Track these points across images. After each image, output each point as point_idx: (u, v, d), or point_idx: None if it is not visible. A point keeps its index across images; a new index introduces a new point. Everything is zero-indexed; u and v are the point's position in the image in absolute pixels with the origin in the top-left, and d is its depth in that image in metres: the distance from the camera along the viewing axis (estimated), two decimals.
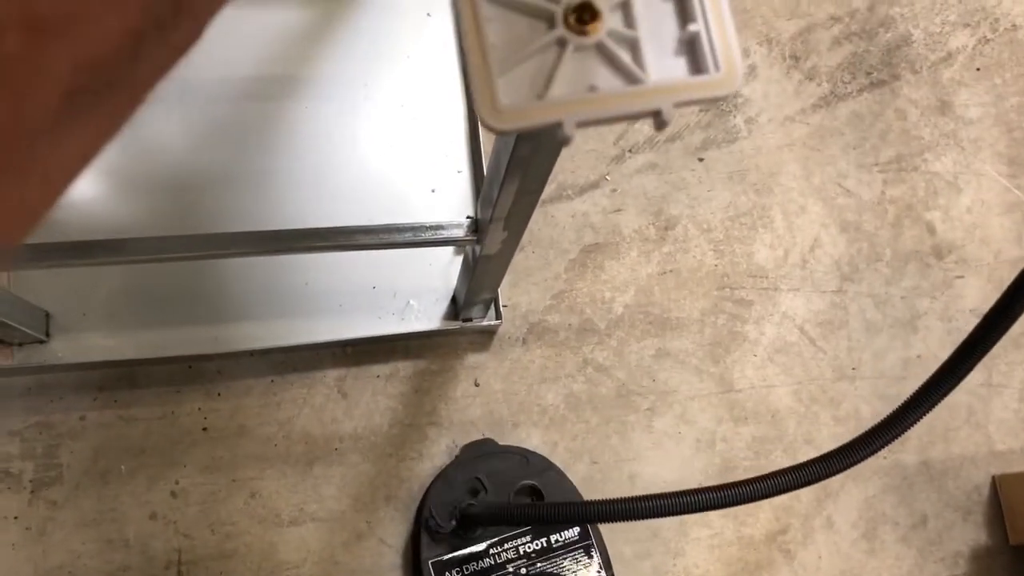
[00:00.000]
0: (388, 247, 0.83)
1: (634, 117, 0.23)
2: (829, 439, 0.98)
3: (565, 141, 0.22)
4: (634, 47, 0.23)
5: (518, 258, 0.99)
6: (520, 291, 0.99)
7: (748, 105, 1.07)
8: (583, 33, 0.22)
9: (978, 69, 1.11)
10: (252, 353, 0.92)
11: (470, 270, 0.88)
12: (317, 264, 0.92)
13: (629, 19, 0.23)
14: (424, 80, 0.96)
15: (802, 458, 0.96)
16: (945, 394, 0.62)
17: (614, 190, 1.03)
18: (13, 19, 0.14)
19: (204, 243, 0.81)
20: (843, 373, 1.00)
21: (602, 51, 0.22)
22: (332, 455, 0.91)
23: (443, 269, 0.95)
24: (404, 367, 0.94)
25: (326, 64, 0.96)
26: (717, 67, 0.23)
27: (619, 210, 1.02)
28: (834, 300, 1.02)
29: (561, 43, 0.22)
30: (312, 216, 0.91)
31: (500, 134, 0.21)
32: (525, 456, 0.89)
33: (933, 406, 0.62)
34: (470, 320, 0.93)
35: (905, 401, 0.62)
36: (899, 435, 0.63)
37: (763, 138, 1.06)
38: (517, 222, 0.73)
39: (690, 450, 0.96)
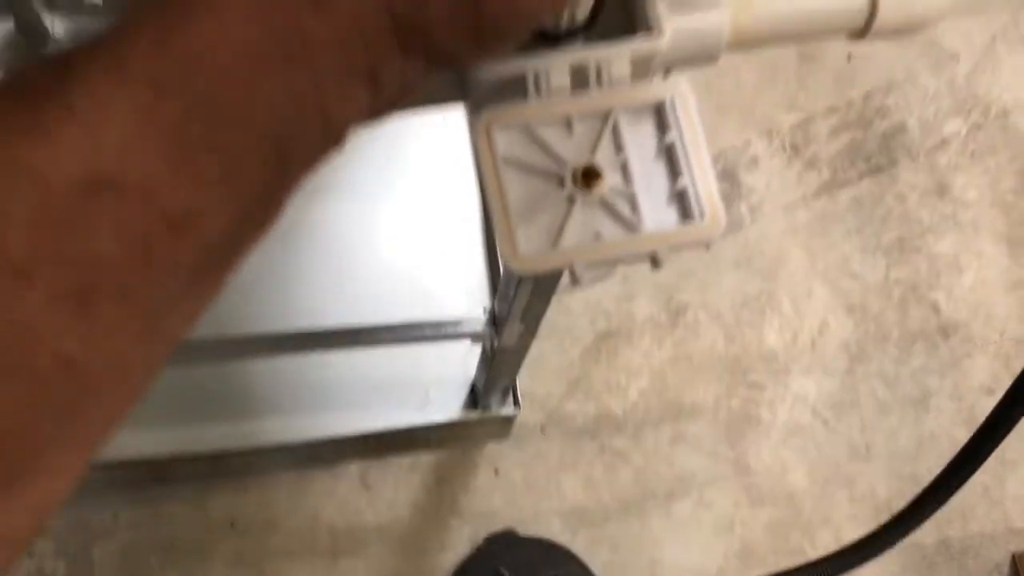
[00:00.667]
0: (410, 342, 0.86)
1: (634, 260, 0.26)
2: (846, 519, 0.99)
3: (577, 283, 0.26)
4: (632, 201, 0.26)
5: (534, 346, 1.02)
6: (537, 379, 1.01)
7: (752, 194, 1.11)
8: (589, 190, 0.26)
9: (972, 154, 1.15)
10: (278, 448, 0.94)
11: (488, 361, 0.91)
12: (340, 358, 0.95)
13: (627, 177, 0.26)
14: (441, 178, 1.01)
15: (820, 540, 0.97)
16: (969, 476, 0.63)
17: (625, 278, 1.06)
18: (156, 221, 0.19)
19: (232, 345, 0.85)
20: (857, 453, 1.02)
21: (605, 205, 0.26)
22: (357, 548, 0.92)
23: (462, 359, 0.97)
24: (425, 457, 0.97)
25: (347, 164, 1.01)
26: (703, 216, 0.26)
27: (631, 297, 1.06)
28: (844, 381, 1.05)
29: (571, 199, 0.26)
30: (336, 311, 0.94)
31: (522, 276, 0.24)
32: (546, 546, 0.91)
33: (957, 489, 0.63)
34: (489, 409, 0.96)
35: (929, 484, 0.63)
36: (923, 521, 0.63)
37: (767, 225, 1.09)
38: (533, 317, 0.76)
39: (709, 534, 0.98)
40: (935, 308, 1.08)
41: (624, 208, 0.26)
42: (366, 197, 0.99)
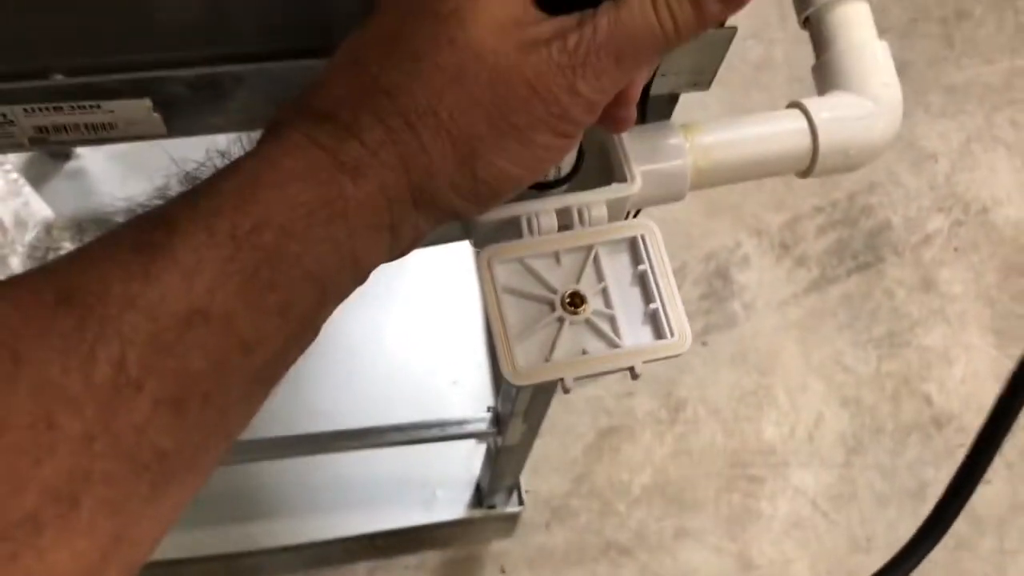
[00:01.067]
0: (416, 443, 0.89)
1: (615, 371, 0.30)
2: None
3: (566, 391, 0.29)
4: (612, 321, 0.30)
5: (537, 444, 1.04)
6: (541, 476, 1.03)
7: (744, 291, 1.15)
8: (575, 313, 0.30)
9: (956, 249, 1.19)
10: (286, 549, 0.96)
11: (492, 459, 0.94)
12: (347, 459, 0.97)
13: (607, 301, 0.31)
14: (445, 285, 1.05)
15: None
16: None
17: (625, 375, 1.09)
18: (233, 345, 0.24)
19: (241, 449, 0.88)
20: (857, 545, 1.03)
21: (590, 325, 0.30)
22: None
23: (466, 459, 1.00)
24: (432, 557, 0.98)
25: None
26: (673, 334, 0.30)
27: (631, 394, 1.09)
28: (842, 474, 1.07)
29: (560, 320, 0.30)
30: (344, 413, 0.97)
31: (520, 388, 0.28)
32: None
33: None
34: (494, 507, 0.98)
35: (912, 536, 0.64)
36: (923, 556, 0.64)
37: (761, 321, 1.13)
38: (535, 416, 0.79)
39: None
40: (927, 400, 1.11)
41: (606, 327, 0.30)
42: (374, 302, 1.03)
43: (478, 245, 0.32)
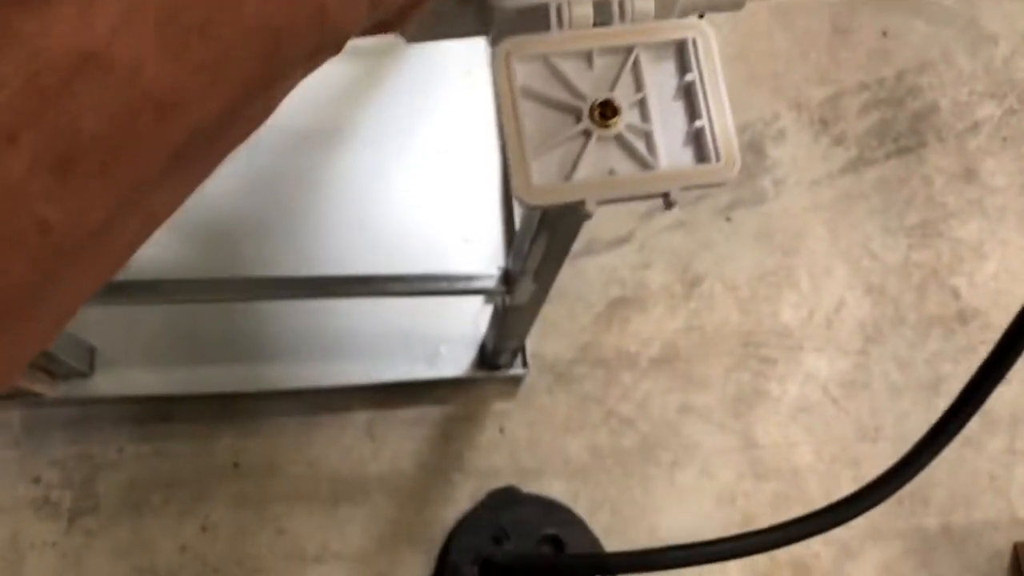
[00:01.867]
0: (422, 295, 0.86)
1: (646, 198, 0.26)
2: None
3: (586, 217, 0.25)
4: (648, 138, 0.26)
5: (546, 309, 1.01)
6: (547, 342, 1.01)
7: (777, 167, 1.09)
8: (605, 126, 0.25)
9: (1004, 139, 1.13)
10: (285, 393, 0.95)
11: (500, 319, 0.91)
12: (351, 309, 0.95)
13: (645, 115, 0.26)
14: (461, 134, 1.00)
15: None
16: (950, 439, 0.62)
17: (642, 246, 1.05)
18: (142, 102, 0.19)
19: (245, 287, 0.85)
20: (865, 434, 1.01)
21: (621, 141, 0.26)
22: (358, 496, 0.93)
23: (473, 317, 0.97)
24: (432, 412, 0.97)
25: (367, 116, 1.00)
26: (718, 157, 0.26)
27: (647, 266, 1.05)
28: (858, 361, 1.04)
29: (586, 134, 0.25)
30: (349, 262, 0.94)
31: (531, 209, 0.24)
32: (548, 506, 0.91)
33: (942, 449, 0.62)
34: (498, 368, 0.96)
35: (918, 441, 0.62)
36: (914, 476, 0.62)
37: (791, 200, 1.08)
38: (546, 275, 0.76)
39: (711, 504, 0.98)
40: (955, 294, 1.07)
41: (640, 146, 0.26)
42: (387, 149, 0.99)
43: (496, 40, 0.27)
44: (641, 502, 0.96)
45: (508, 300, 0.84)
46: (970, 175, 1.12)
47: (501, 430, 0.97)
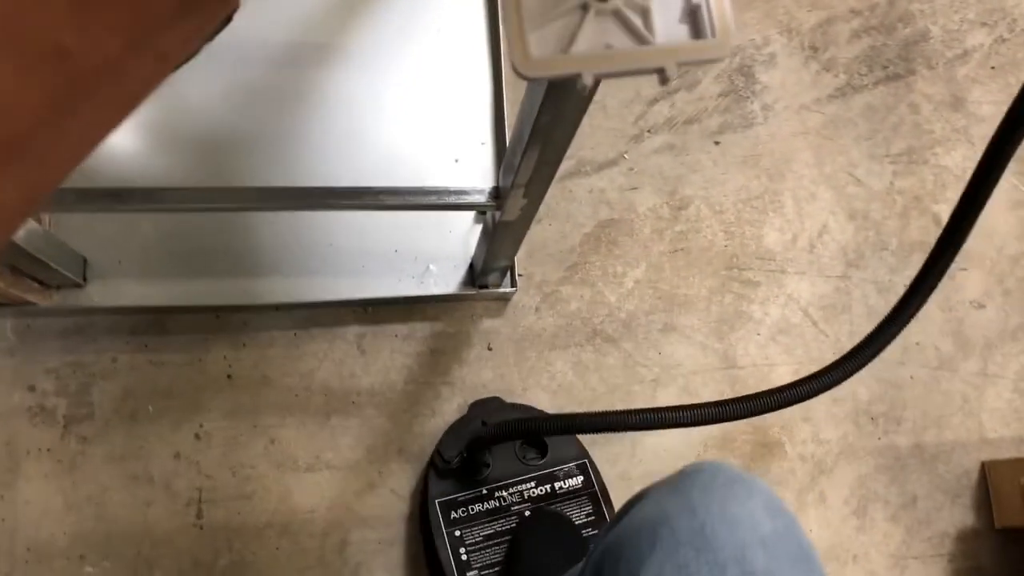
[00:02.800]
0: (413, 208, 0.87)
1: (642, 72, 0.27)
2: (825, 418, 1.02)
3: (583, 90, 0.26)
4: (645, 14, 0.27)
5: (535, 230, 1.03)
6: (535, 262, 1.02)
7: (766, 92, 1.10)
8: (603, 0, 0.26)
9: (993, 67, 1.13)
10: (278, 307, 0.96)
11: (489, 236, 0.92)
12: (343, 226, 0.96)
13: None
14: (452, 55, 1.00)
15: (798, 435, 1.00)
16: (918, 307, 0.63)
17: (631, 169, 1.06)
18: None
19: (235, 196, 0.86)
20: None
21: (618, 16, 0.26)
22: (349, 408, 0.95)
23: (463, 237, 0.98)
24: (421, 328, 0.99)
25: (358, 34, 0.99)
26: (714, 33, 0.27)
27: (635, 188, 1.06)
28: (838, 285, 1.06)
29: (584, 7, 0.26)
30: (339, 178, 0.95)
31: (529, 80, 0.24)
32: (529, 411, 0.93)
33: (906, 322, 0.64)
34: (486, 287, 0.97)
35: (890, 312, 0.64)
36: (885, 346, 0.64)
37: (778, 125, 1.09)
38: (537, 189, 0.77)
39: None
40: (936, 220, 1.09)
41: (637, 21, 0.27)
42: (378, 67, 0.99)
43: None
44: None
45: (498, 216, 0.85)
46: (957, 103, 1.12)
47: (489, 347, 0.99)
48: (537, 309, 1.01)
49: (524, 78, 0.26)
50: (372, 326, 0.98)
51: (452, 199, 0.85)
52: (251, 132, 0.95)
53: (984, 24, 1.14)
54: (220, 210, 0.84)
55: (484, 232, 0.95)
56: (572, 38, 0.26)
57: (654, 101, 1.08)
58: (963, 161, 1.10)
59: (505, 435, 0.81)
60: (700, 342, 1.03)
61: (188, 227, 0.93)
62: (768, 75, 1.10)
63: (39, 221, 0.87)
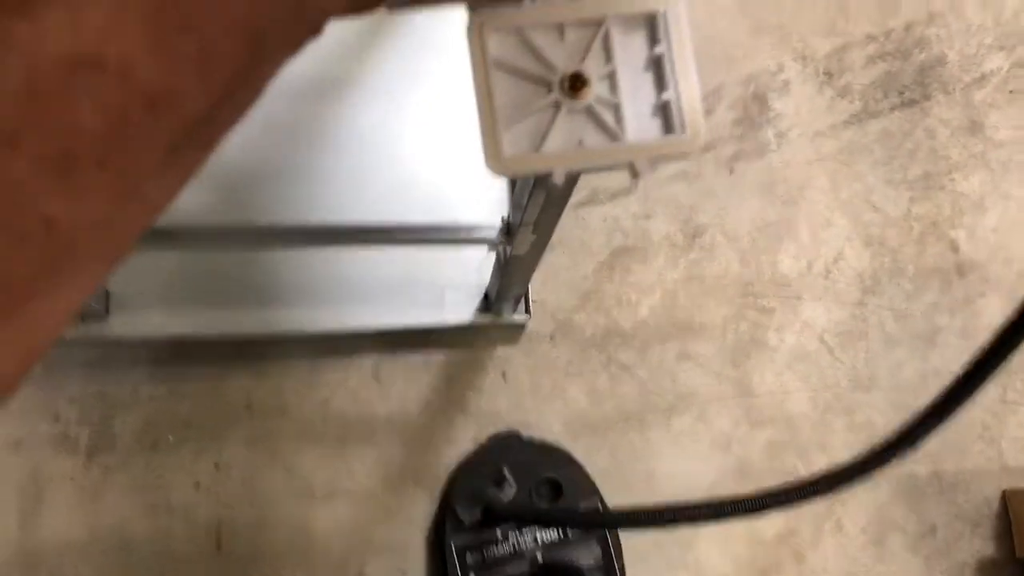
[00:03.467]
0: (425, 244, 0.88)
1: (614, 168, 0.28)
2: (842, 446, 1.02)
3: (553, 188, 0.27)
4: (616, 110, 0.27)
5: (549, 257, 1.03)
6: (549, 289, 1.03)
7: (780, 119, 1.10)
8: (575, 98, 0.27)
9: (1011, 92, 1.12)
10: (295, 337, 0.98)
11: (502, 268, 0.93)
12: (359, 257, 0.97)
13: (614, 87, 0.27)
14: (464, 85, 1.01)
15: (814, 463, 1.00)
16: (959, 407, 0.63)
17: (645, 197, 1.07)
18: (134, 98, 0.20)
19: (256, 235, 0.88)
20: (859, 383, 1.04)
21: (590, 113, 0.27)
22: (365, 436, 0.96)
23: (477, 266, 0.99)
24: (436, 356, 1.00)
25: (371, 67, 1.01)
26: (684, 129, 0.27)
27: (649, 216, 1.06)
28: (855, 312, 1.06)
29: (556, 105, 0.27)
30: (353, 211, 0.96)
31: (500, 176, 0.25)
32: (548, 449, 0.94)
33: (948, 419, 0.63)
34: (501, 315, 0.98)
35: (922, 409, 0.64)
36: (914, 446, 0.64)
37: (793, 152, 1.09)
38: (545, 227, 0.77)
39: (706, 450, 1.00)
40: (954, 246, 1.08)
41: (608, 117, 0.27)
42: (390, 98, 1.00)
43: (473, 7, 0.28)
44: (638, 446, 0.99)
45: (509, 250, 0.86)
46: (975, 128, 1.12)
47: (503, 375, 1.00)
48: (551, 337, 1.02)
49: (496, 175, 0.27)
50: (388, 354, 0.99)
51: (464, 234, 0.86)
52: (265, 166, 0.96)
53: (1002, 48, 1.14)
54: (239, 248, 0.86)
55: (497, 263, 0.97)
56: (545, 135, 0.27)
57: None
58: (980, 187, 1.10)
59: (524, 518, 0.82)
60: (715, 370, 1.03)
61: (209, 260, 0.95)
62: (782, 102, 1.10)
63: None
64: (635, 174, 0.28)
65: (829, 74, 1.12)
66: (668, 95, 0.27)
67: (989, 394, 1.05)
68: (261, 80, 0.24)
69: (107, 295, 0.94)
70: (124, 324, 0.94)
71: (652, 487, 0.98)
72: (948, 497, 1.02)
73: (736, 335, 1.04)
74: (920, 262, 1.08)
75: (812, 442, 1.02)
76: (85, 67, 0.19)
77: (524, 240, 0.81)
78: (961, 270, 1.08)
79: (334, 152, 0.98)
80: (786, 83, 1.11)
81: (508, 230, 0.86)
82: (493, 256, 0.99)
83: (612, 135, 0.27)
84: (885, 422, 1.03)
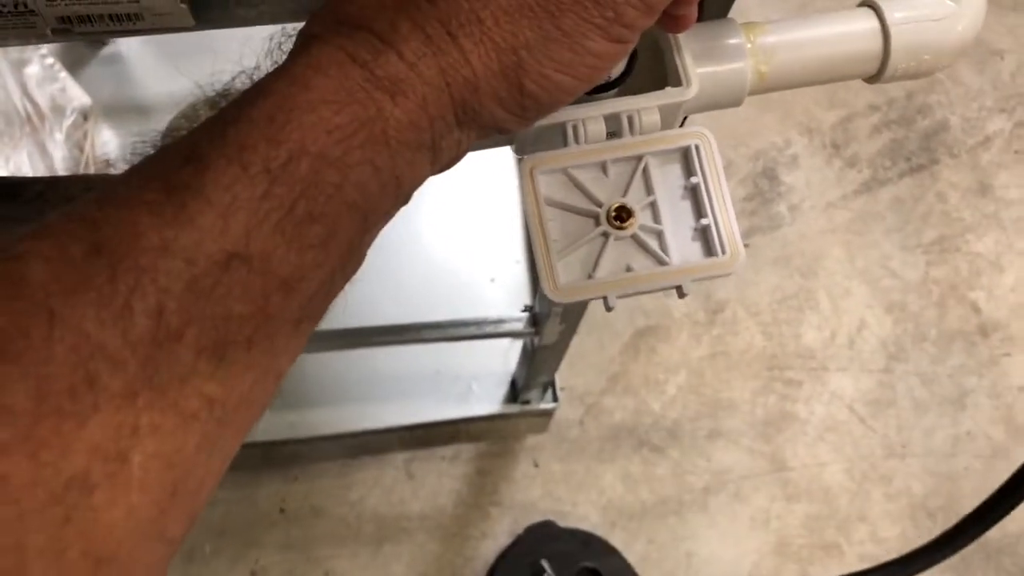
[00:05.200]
0: (452, 340, 0.89)
1: (661, 290, 0.29)
2: (881, 516, 1.01)
3: (609, 311, 0.28)
4: (660, 237, 0.29)
5: (574, 341, 1.04)
6: (576, 373, 1.04)
7: (791, 192, 1.12)
8: (621, 228, 0.28)
9: (1016, 151, 1.14)
10: (326, 438, 0.98)
11: (529, 357, 0.94)
12: (386, 353, 0.98)
13: (656, 215, 0.29)
14: (482, 176, 1.03)
15: (855, 536, 0.99)
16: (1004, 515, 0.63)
17: None
18: (273, 284, 0.23)
19: None
20: (893, 451, 1.03)
21: (636, 241, 0.29)
22: (400, 535, 0.96)
23: (503, 353, 1.00)
24: (467, 449, 1.00)
25: None
26: (724, 251, 0.29)
27: (669, 294, 1.07)
28: (882, 379, 1.06)
29: (605, 235, 0.28)
30: (382, 308, 0.97)
31: (561, 306, 0.26)
32: (585, 538, 0.93)
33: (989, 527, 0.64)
34: (528, 403, 0.99)
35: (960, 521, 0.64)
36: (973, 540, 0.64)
37: (807, 224, 1.10)
38: (573, 315, 0.78)
39: (745, 528, 0.99)
40: (974, 307, 1.09)
41: (653, 244, 0.29)
42: (413, 198, 1.02)
43: (520, 152, 0.30)
44: (676, 529, 0.98)
45: (537, 340, 0.87)
46: (984, 189, 1.13)
47: (535, 464, 0.99)
48: (581, 422, 1.02)
49: (557, 304, 0.28)
50: (419, 450, 1.00)
51: (491, 328, 0.87)
52: None
53: (1003, 110, 1.16)
54: None
55: (524, 352, 0.97)
56: (596, 263, 0.28)
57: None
58: (995, 246, 1.11)
59: None
60: (747, 446, 1.02)
61: None
62: (792, 176, 1.12)
63: None
64: (682, 295, 0.29)
65: (836, 145, 1.14)
66: (706, 220, 0.29)
67: (1022, 452, 1.04)
68: (365, 250, 0.26)
69: None
70: None
71: (693, 571, 0.97)
72: (995, 562, 1.01)
73: (765, 409, 1.04)
74: (942, 325, 1.08)
75: (851, 514, 1.01)
76: (234, 263, 0.22)
77: (552, 330, 0.82)
78: (984, 331, 1.08)
79: None
80: (794, 157, 1.13)
81: (534, 321, 0.87)
82: (519, 344, 1.00)
83: (658, 260, 0.29)
84: (923, 489, 1.02)
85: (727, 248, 0.29)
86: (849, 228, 1.11)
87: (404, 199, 0.26)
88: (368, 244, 0.26)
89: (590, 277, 0.28)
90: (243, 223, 0.22)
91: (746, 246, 1.09)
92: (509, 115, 0.26)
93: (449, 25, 0.24)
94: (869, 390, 1.05)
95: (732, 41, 0.31)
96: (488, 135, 0.27)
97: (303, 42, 0.25)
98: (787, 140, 1.14)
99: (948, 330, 1.08)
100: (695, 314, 1.07)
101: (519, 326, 0.86)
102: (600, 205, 0.29)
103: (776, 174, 1.12)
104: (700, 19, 0.35)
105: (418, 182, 0.26)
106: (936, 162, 1.14)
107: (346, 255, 0.25)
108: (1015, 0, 1.19)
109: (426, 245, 1.01)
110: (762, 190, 1.11)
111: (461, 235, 1.01)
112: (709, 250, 0.29)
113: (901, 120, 1.15)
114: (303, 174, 0.23)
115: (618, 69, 0.30)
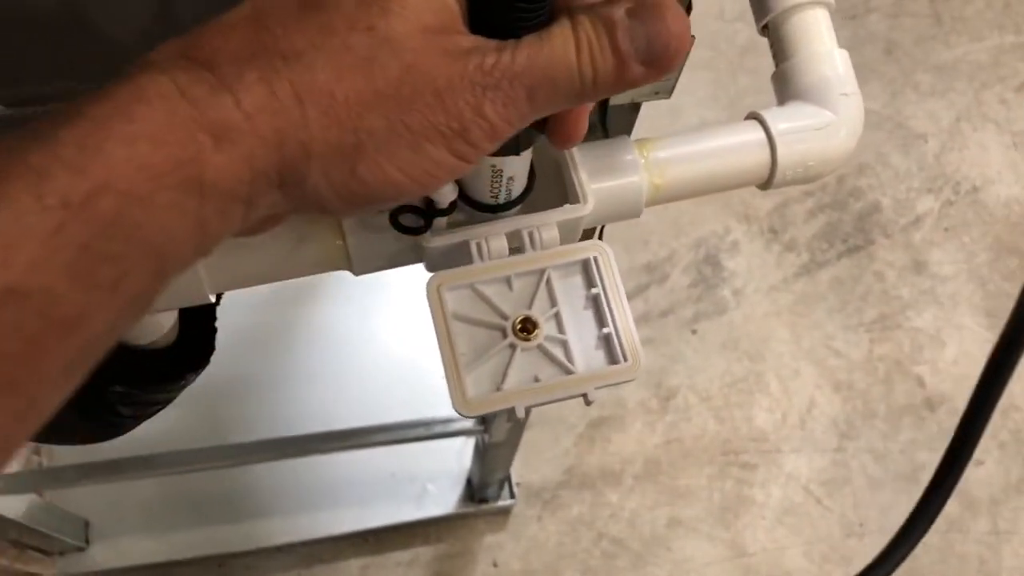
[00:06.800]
0: (403, 442, 0.89)
1: (568, 399, 0.30)
2: None
3: (517, 420, 0.29)
4: (565, 346, 0.30)
5: (528, 435, 1.04)
6: (532, 468, 1.03)
7: (734, 278, 1.14)
8: (527, 339, 0.29)
9: (946, 229, 1.18)
10: (279, 548, 0.96)
11: (481, 454, 0.94)
12: (337, 458, 0.97)
13: (560, 326, 0.30)
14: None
15: None
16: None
17: None
18: (50, 324, 0.22)
19: (230, 453, 0.88)
20: (851, 530, 1.03)
21: (542, 351, 0.30)
22: None
23: (458, 452, 1.00)
24: (424, 552, 0.98)
25: (336, 276, 1.04)
26: (626, 358, 0.30)
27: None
28: (835, 458, 1.06)
29: (512, 347, 0.29)
30: (332, 412, 0.97)
31: (469, 418, 0.27)
32: None
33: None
34: (485, 501, 0.98)
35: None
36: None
37: (751, 307, 1.13)
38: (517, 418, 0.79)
39: None
40: (920, 382, 1.11)
41: (559, 353, 0.30)
42: (360, 300, 1.03)
43: (430, 269, 0.31)
44: None
45: (487, 438, 0.87)
46: (919, 266, 1.17)
47: (495, 564, 0.98)
48: (539, 518, 1.01)
49: (464, 416, 0.28)
50: (374, 556, 0.98)
51: (440, 428, 0.87)
52: (242, 377, 0.98)
53: (930, 190, 1.21)
54: (216, 468, 0.87)
55: (477, 450, 0.97)
56: (504, 374, 0.29)
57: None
58: (935, 321, 1.14)
59: None
60: (707, 533, 1.02)
61: (186, 480, 0.95)
62: (734, 261, 1.15)
63: (39, 494, 0.88)
64: (588, 402, 0.30)
65: (774, 231, 1.17)
66: (608, 329, 0.30)
67: (980, 527, 1.05)
68: (156, 296, 0.24)
69: (87, 525, 0.93)
70: (106, 555, 0.92)
71: None
72: None
73: (723, 494, 1.04)
74: (890, 401, 1.10)
75: None
76: (10, 298, 0.21)
77: (500, 427, 0.82)
78: (931, 405, 1.10)
79: (308, 355, 1.00)
80: (735, 243, 1.16)
81: (483, 419, 0.87)
82: (472, 442, 1.00)
83: (565, 369, 0.30)
84: None
85: (628, 355, 0.30)
86: (792, 310, 1.13)
87: (206, 250, 0.25)
88: (160, 292, 0.25)
89: (498, 389, 0.29)
90: (28, 257, 0.21)
91: (694, 332, 1.11)
92: (335, 194, 0.25)
93: (299, 88, 0.24)
94: (823, 469, 1.06)
95: (626, 157, 0.32)
96: (307, 209, 0.26)
97: (139, 66, 0.24)
98: (727, 228, 1.17)
99: (896, 406, 1.09)
100: (648, 402, 1.08)
101: (468, 424, 0.87)
102: (506, 318, 0.30)
103: (718, 260, 1.15)
104: (605, 135, 0.37)
105: (223, 234, 0.25)
106: (872, 242, 1.17)
107: (135, 301, 0.24)
108: (932, 85, 1.25)
109: (376, 346, 1.01)
110: (706, 276, 1.14)
111: (410, 336, 1.02)
112: (612, 358, 0.30)
113: (835, 204, 1.19)
114: (104, 212, 0.22)
115: (519, 187, 0.31)
